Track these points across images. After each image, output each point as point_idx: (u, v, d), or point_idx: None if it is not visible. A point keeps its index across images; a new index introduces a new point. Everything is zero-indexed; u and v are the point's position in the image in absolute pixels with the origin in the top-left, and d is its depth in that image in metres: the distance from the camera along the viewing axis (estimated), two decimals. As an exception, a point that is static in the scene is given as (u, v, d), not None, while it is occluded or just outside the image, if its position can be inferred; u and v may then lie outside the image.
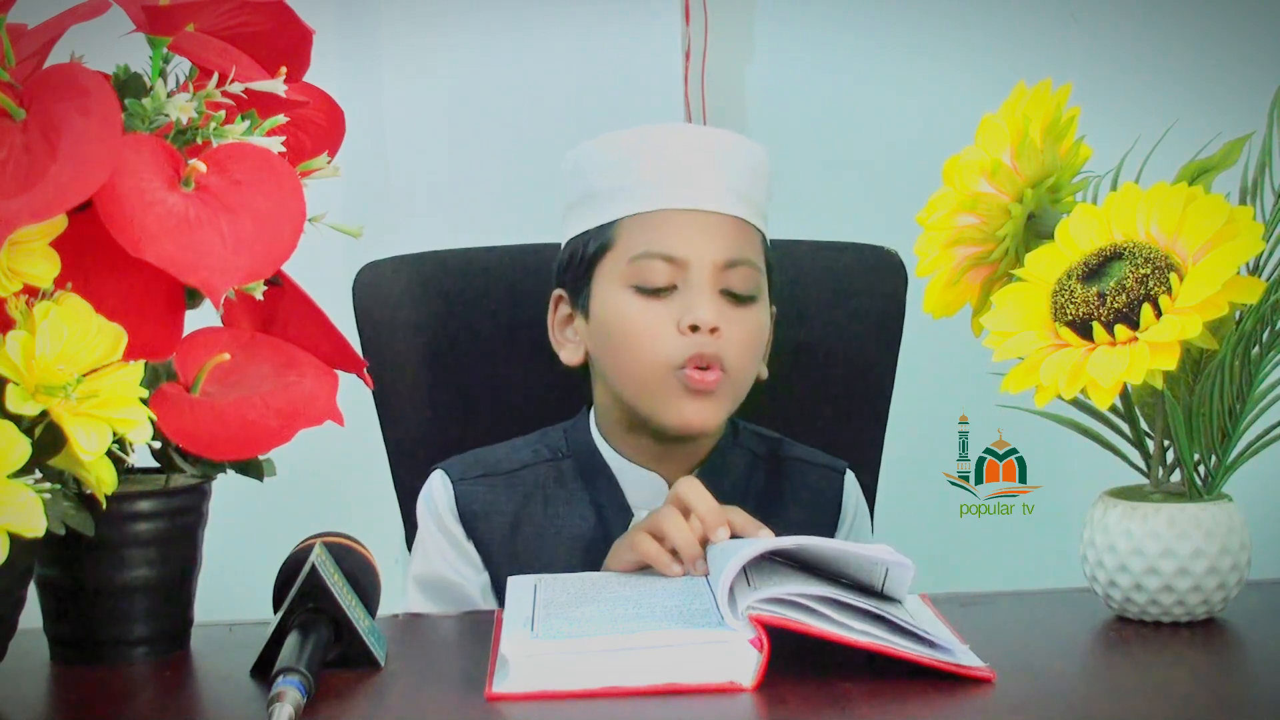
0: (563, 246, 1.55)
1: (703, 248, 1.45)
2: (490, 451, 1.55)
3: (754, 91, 2.44)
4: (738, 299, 1.47)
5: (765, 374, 1.54)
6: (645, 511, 1.47)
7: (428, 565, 1.51)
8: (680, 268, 1.45)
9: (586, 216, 1.52)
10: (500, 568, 1.48)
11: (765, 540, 1.18)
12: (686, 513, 1.32)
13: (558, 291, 1.55)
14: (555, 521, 1.50)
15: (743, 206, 1.49)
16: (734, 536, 1.29)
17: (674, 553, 1.30)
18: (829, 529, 1.55)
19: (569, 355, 1.54)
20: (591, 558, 1.45)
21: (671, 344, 1.44)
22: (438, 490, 1.52)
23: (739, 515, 1.31)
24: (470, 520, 1.50)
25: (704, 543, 1.29)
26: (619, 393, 1.49)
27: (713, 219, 1.47)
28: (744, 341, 1.47)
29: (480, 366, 1.69)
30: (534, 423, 1.60)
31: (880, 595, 1.18)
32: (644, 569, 1.32)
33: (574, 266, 1.52)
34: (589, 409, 1.56)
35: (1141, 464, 1.28)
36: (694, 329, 1.43)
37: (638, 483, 1.50)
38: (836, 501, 1.57)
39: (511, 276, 1.69)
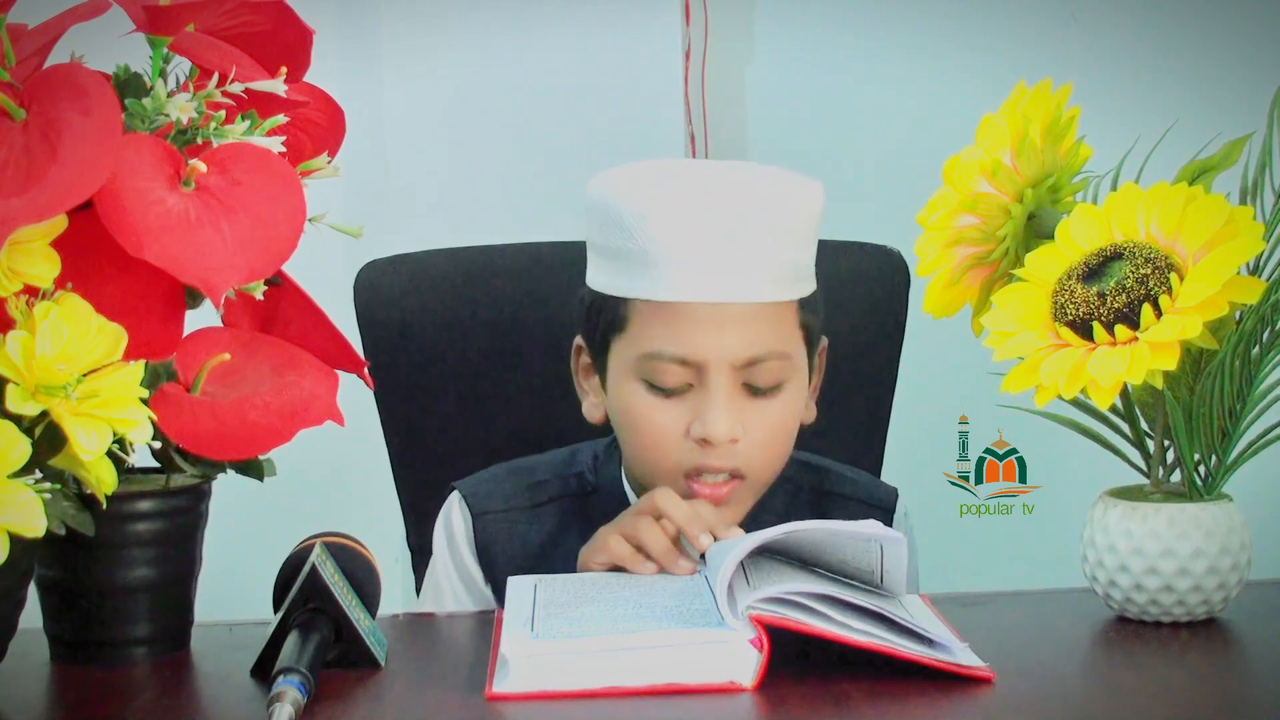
0: (585, 285, 1.43)
1: (720, 348, 1.33)
2: (513, 476, 1.47)
3: (754, 91, 2.44)
4: (760, 392, 1.36)
5: (813, 416, 1.44)
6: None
7: (440, 607, 1.44)
8: (695, 369, 1.34)
9: (604, 271, 1.39)
10: None
11: (757, 534, 1.17)
12: (658, 516, 1.29)
13: (579, 340, 1.45)
14: (581, 553, 1.37)
15: (772, 287, 1.34)
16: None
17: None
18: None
19: (590, 411, 1.45)
20: None
21: (682, 452, 1.35)
22: (456, 522, 1.45)
23: (706, 509, 1.30)
24: (489, 558, 1.43)
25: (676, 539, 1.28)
26: (632, 474, 1.43)
27: (734, 310, 1.33)
28: (766, 439, 1.36)
29: (482, 365, 1.69)
30: (534, 422, 1.59)
31: (879, 588, 1.18)
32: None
33: (590, 328, 1.41)
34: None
35: (1141, 464, 1.28)
36: (705, 442, 1.34)
37: None
38: None
39: (514, 275, 1.69)
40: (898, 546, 1.16)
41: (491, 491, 1.46)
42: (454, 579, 1.45)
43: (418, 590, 1.64)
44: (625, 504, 1.42)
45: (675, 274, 1.33)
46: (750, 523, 1.37)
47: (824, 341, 1.46)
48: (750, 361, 1.34)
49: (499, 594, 1.39)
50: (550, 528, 1.44)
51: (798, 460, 1.47)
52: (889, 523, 1.47)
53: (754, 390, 1.35)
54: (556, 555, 1.42)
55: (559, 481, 1.47)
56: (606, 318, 1.39)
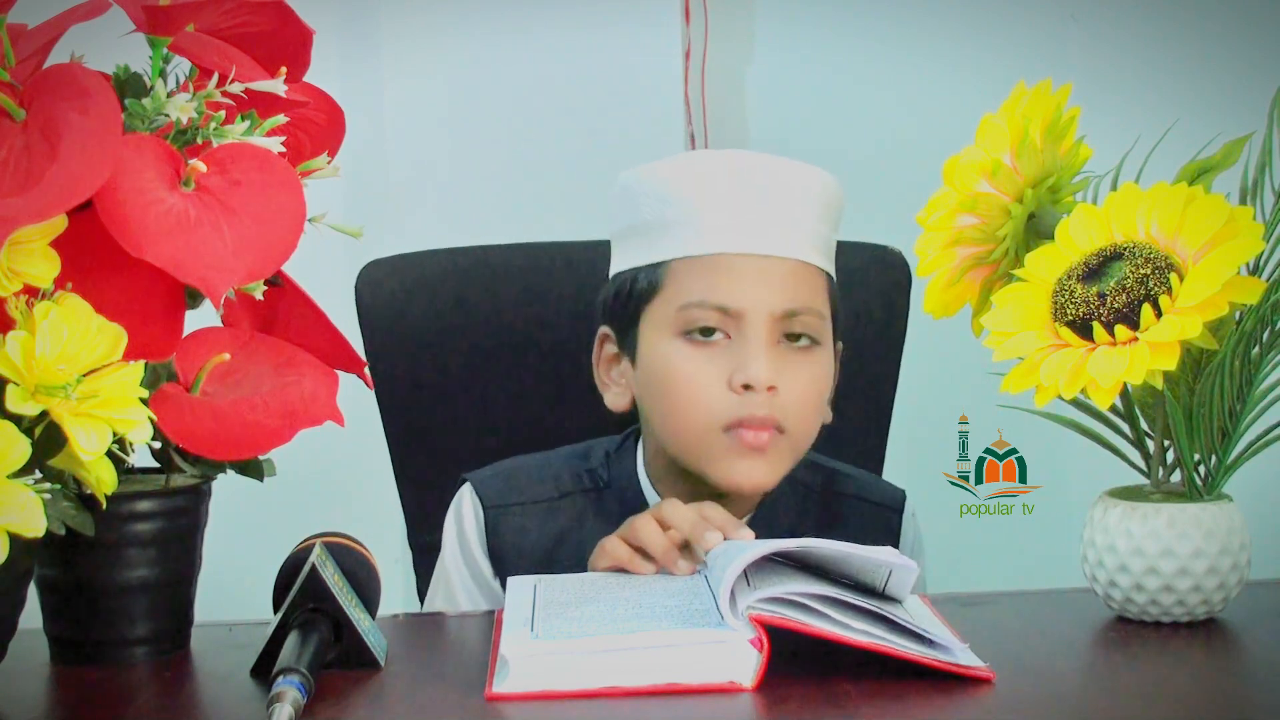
0: (609, 279, 1.46)
1: (760, 298, 1.35)
2: (526, 470, 1.47)
3: (754, 91, 2.44)
4: (796, 348, 1.38)
5: (830, 417, 1.45)
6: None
7: (451, 601, 1.45)
8: (734, 319, 1.36)
9: (635, 251, 1.42)
10: None
11: (769, 542, 1.17)
12: (665, 526, 1.29)
13: (603, 329, 1.46)
14: (589, 560, 1.36)
15: (807, 248, 1.38)
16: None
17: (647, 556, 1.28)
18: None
19: (615, 400, 1.45)
20: None
21: (722, 402, 1.35)
22: (468, 515, 1.45)
23: (715, 511, 1.29)
24: (499, 554, 1.43)
25: (683, 546, 1.28)
26: (666, 446, 1.41)
27: (772, 264, 1.37)
28: (803, 396, 1.37)
29: (483, 364, 1.69)
30: (535, 421, 1.59)
31: (881, 596, 1.18)
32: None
33: (620, 306, 1.42)
34: (637, 440, 1.47)
35: (1141, 464, 1.28)
36: (747, 387, 1.34)
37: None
38: (893, 544, 1.48)
39: (515, 275, 1.69)
40: (906, 574, 1.15)
41: (504, 485, 1.46)
42: (463, 571, 1.45)
43: (419, 591, 1.65)
44: (641, 500, 1.43)
45: (714, 228, 1.37)
46: (762, 523, 1.38)
47: (840, 345, 1.47)
48: (788, 314, 1.37)
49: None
50: (561, 524, 1.44)
51: (806, 460, 1.46)
52: (899, 523, 1.49)
53: (791, 340, 1.37)
54: (566, 551, 1.43)
55: (572, 477, 1.46)
56: (639, 288, 1.40)
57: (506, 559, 1.43)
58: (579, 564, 1.37)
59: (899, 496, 1.51)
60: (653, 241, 1.40)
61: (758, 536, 1.31)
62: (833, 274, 1.43)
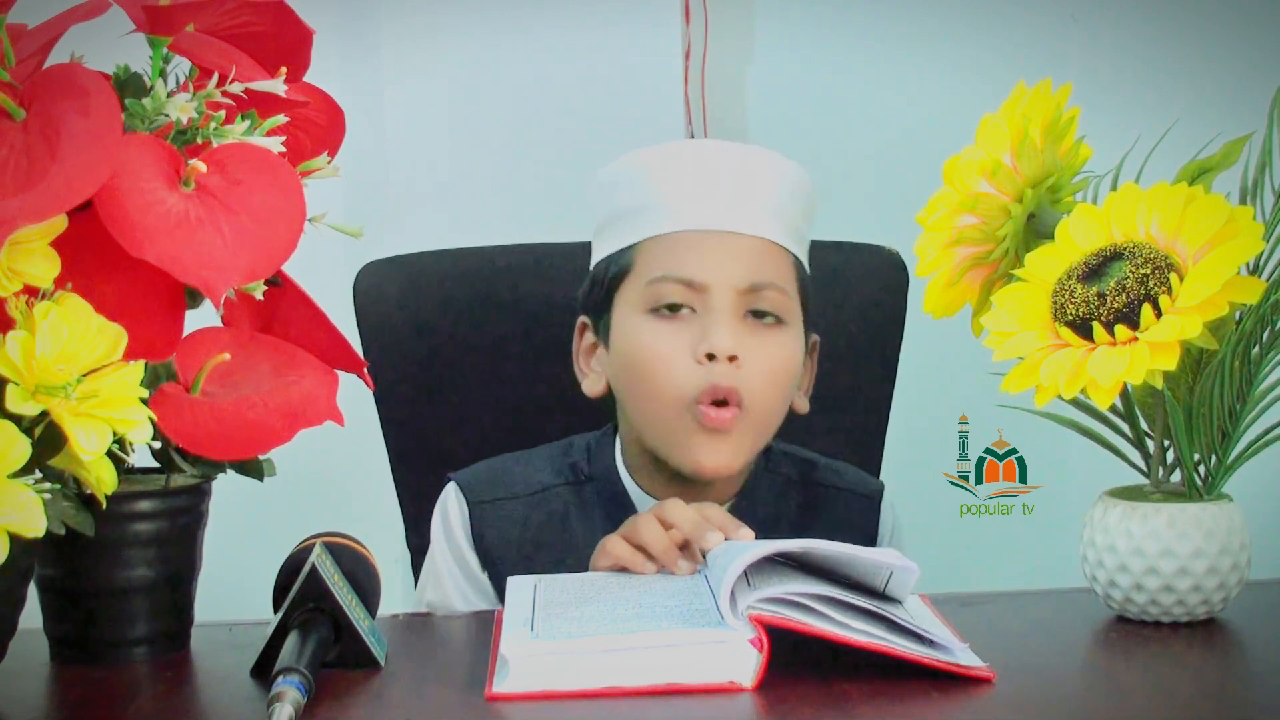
0: (589, 273, 1.49)
1: (723, 271, 1.38)
2: (508, 467, 1.49)
3: (754, 91, 2.44)
4: (762, 324, 1.40)
5: (805, 408, 1.48)
6: None
7: (441, 594, 1.46)
8: (699, 292, 1.38)
9: (610, 240, 1.45)
10: None
11: (771, 543, 1.17)
12: (666, 526, 1.29)
13: (582, 319, 1.49)
14: (573, 550, 1.42)
15: (772, 227, 1.41)
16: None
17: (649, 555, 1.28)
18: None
19: (590, 386, 1.48)
20: None
21: (687, 373, 1.37)
22: (453, 511, 1.47)
23: (716, 512, 1.29)
24: (485, 547, 1.45)
25: (684, 546, 1.28)
26: (636, 428, 1.43)
27: (736, 240, 1.40)
28: (768, 371, 1.39)
29: (481, 366, 1.69)
30: (534, 423, 1.59)
31: (881, 596, 1.18)
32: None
33: (595, 292, 1.46)
34: (615, 431, 1.49)
35: (1141, 464, 1.28)
36: (710, 357, 1.36)
37: None
38: (871, 532, 1.51)
39: (512, 276, 1.69)
40: (908, 575, 1.16)
41: (487, 481, 1.48)
42: (451, 566, 1.46)
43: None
44: (621, 492, 1.45)
45: (682, 207, 1.40)
46: (740, 513, 1.38)
47: (815, 337, 1.49)
48: (753, 288, 1.39)
49: (495, 581, 1.43)
50: (545, 516, 1.46)
51: (784, 452, 1.51)
52: (877, 511, 1.51)
53: (756, 316, 1.40)
54: (551, 542, 1.45)
55: (554, 471, 1.48)
56: (613, 272, 1.43)
57: (492, 552, 1.45)
58: (564, 555, 1.40)
59: (877, 487, 1.54)
60: (626, 227, 1.43)
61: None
62: (802, 260, 1.46)
